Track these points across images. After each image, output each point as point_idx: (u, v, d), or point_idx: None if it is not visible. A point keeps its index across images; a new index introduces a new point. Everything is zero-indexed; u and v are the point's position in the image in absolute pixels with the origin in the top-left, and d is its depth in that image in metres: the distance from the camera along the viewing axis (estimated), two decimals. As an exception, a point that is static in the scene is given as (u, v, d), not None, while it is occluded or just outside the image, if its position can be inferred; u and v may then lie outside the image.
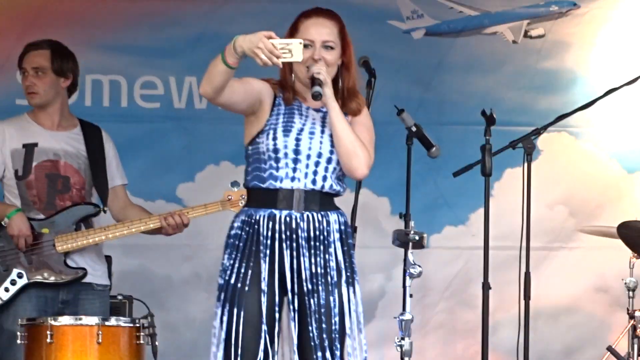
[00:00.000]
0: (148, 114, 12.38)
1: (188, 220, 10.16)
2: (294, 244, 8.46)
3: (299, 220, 8.51)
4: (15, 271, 10.09)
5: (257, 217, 8.58)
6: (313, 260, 8.44)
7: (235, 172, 10.62)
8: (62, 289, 10.09)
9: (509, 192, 11.30)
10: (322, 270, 8.45)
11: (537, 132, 10.67)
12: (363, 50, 10.39)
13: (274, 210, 8.56)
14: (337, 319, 8.32)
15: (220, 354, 8.38)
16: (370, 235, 11.97)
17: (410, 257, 9.65)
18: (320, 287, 8.39)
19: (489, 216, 10.38)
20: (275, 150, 8.55)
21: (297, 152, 8.55)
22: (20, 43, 11.00)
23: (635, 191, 12.67)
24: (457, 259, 12.67)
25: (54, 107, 10.21)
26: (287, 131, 8.57)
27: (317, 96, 8.38)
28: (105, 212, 10.23)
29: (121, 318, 9.96)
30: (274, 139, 8.53)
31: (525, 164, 10.60)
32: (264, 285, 8.33)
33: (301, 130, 8.58)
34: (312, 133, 8.59)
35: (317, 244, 8.47)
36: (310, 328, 8.33)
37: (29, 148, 10.22)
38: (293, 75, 8.55)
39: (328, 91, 8.39)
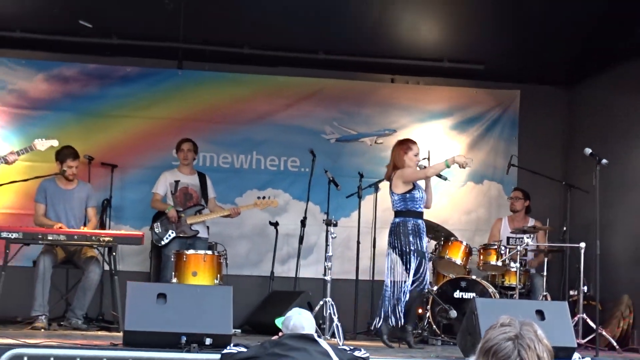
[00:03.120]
0: (224, 169, 11.75)
1: (240, 211, 10.83)
2: None
3: None
4: (170, 231, 10.56)
5: (418, 222, 9.17)
6: None
7: (258, 193, 11.37)
8: (188, 239, 10.57)
9: (369, 206, 10.95)
10: None
11: (379, 182, 10.67)
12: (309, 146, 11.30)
13: (421, 220, 9.24)
14: None
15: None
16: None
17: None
18: None
19: (360, 216, 10.81)
20: (420, 198, 9.14)
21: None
22: (171, 138, 11.28)
23: None
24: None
25: (189, 165, 10.85)
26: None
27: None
28: (205, 207, 10.79)
29: (211, 251, 10.31)
30: (421, 193, 9.19)
31: (377, 194, 10.82)
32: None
33: None
34: None
35: None
36: None
37: (177, 182, 10.77)
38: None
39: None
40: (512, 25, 11.33)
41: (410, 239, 9.15)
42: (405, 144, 9.49)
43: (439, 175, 9.41)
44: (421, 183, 9.53)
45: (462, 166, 9.37)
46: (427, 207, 9.46)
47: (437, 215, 11.01)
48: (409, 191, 9.26)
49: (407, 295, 9.13)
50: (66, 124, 11.40)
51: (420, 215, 9.30)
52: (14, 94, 11.49)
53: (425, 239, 9.31)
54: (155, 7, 10.27)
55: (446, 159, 9.27)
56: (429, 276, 9.37)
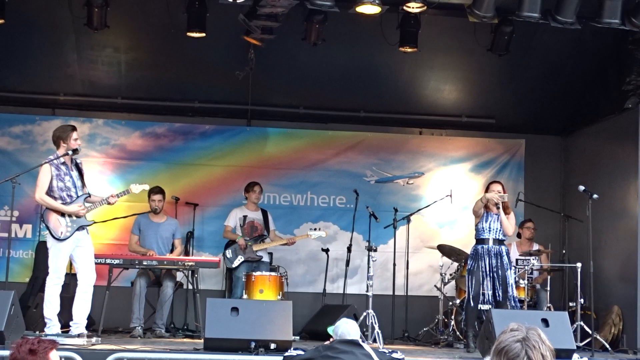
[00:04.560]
0: (285, 206, 11.59)
1: (295, 241, 10.69)
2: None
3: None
4: (239, 256, 10.39)
5: (477, 248, 9.10)
6: None
7: (312, 225, 11.24)
8: (254, 263, 10.39)
9: (403, 235, 10.95)
10: None
11: (410, 215, 10.97)
12: (354, 187, 11.29)
13: (486, 245, 9.07)
14: None
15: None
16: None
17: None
18: None
19: (395, 243, 10.79)
20: (482, 228, 8.97)
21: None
22: (240, 182, 11.14)
23: (442, 236, 11.53)
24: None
25: (256, 203, 10.73)
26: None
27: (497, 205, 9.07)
28: (267, 237, 10.63)
29: (275, 272, 10.17)
30: (484, 224, 8.99)
31: (409, 225, 10.97)
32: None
33: None
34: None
35: None
36: None
37: (245, 217, 10.61)
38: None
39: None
40: (517, 88, 11.52)
41: (470, 261, 9.19)
42: (489, 186, 9.43)
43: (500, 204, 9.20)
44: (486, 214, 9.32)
45: (494, 201, 9.15)
46: (506, 234, 9.23)
47: (459, 242, 10.90)
48: (477, 224, 9.23)
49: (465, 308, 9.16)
50: (157, 171, 11.43)
51: (482, 241, 9.16)
52: (116, 148, 11.56)
53: (484, 261, 9.07)
54: (228, 77, 10.34)
55: (481, 197, 9.23)
56: (478, 292, 9.10)
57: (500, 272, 9.05)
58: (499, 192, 9.21)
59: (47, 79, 11.11)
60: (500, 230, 9.15)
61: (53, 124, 10.05)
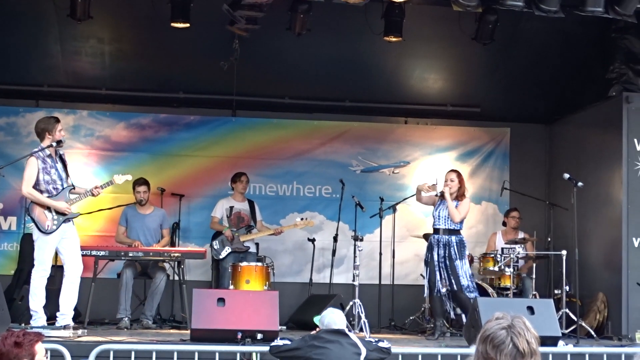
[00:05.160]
0: (270, 196, 11.53)
1: (282, 230, 10.70)
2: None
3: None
4: (226, 247, 10.36)
5: (430, 238, 9.16)
6: None
7: (298, 215, 11.20)
8: (241, 253, 10.34)
9: (389, 224, 11.02)
10: None
11: (396, 204, 10.92)
12: (339, 176, 11.29)
13: (437, 235, 9.08)
14: None
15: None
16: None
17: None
18: None
19: (381, 232, 10.85)
20: (434, 216, 8.95)
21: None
22: (226, 173, 11.16)
23: (428, 225, 10.53)
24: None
25: (242, 194, 10.70)
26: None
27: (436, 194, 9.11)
28: (255, 227, 10.64)
29: (261, 263, 10.14)
30: (435, 212, 8.96)
31: (395, 214, 10.94)
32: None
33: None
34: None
35: None
36: None
37: (231, 207, 10.56)
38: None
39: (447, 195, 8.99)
40: (502, 76, 11.49)
41: (426, 252, 9.24)
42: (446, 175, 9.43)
43: (441, 194, 9.21)
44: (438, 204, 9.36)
45: (425, 191, 9.21)
46: (453, 221, 9.15)
47: (445, 231, 10.91)
48: (433, 210, 9.28)
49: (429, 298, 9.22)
50: (143, 162, 11.40)
51: (436, 231, 9.20)
52: (100, 140, 11.50)
53: (435, 251, 9.09)
54: (213, 67, 10.31)
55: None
56: (435, 281, 9.14)
57: (448, 262, 9.05)
58: (452, 181, 9.23)
59: (30, 71, 11.06)
60: (449, 218, 9.13)
61: (37, 116, 9.99)
